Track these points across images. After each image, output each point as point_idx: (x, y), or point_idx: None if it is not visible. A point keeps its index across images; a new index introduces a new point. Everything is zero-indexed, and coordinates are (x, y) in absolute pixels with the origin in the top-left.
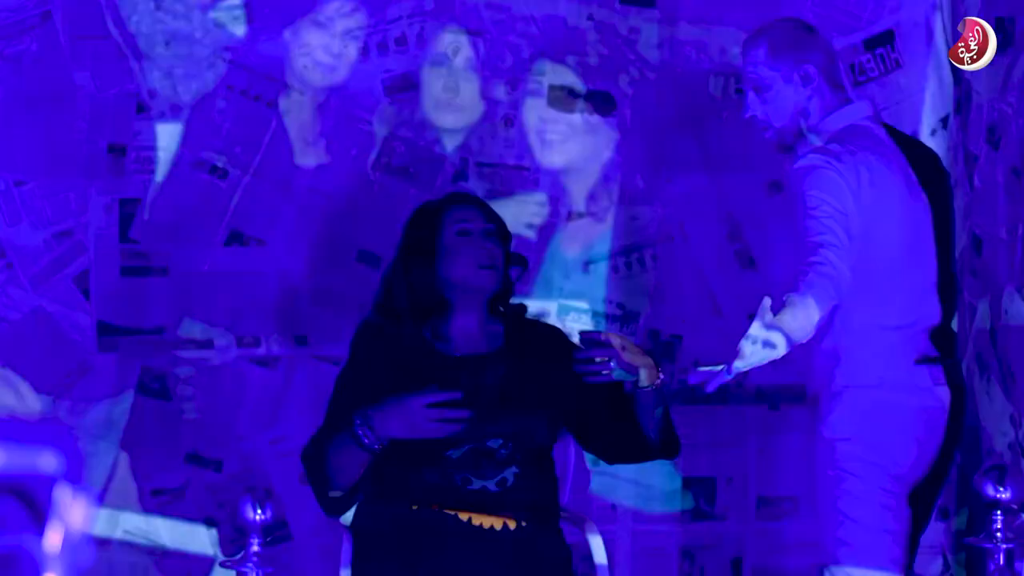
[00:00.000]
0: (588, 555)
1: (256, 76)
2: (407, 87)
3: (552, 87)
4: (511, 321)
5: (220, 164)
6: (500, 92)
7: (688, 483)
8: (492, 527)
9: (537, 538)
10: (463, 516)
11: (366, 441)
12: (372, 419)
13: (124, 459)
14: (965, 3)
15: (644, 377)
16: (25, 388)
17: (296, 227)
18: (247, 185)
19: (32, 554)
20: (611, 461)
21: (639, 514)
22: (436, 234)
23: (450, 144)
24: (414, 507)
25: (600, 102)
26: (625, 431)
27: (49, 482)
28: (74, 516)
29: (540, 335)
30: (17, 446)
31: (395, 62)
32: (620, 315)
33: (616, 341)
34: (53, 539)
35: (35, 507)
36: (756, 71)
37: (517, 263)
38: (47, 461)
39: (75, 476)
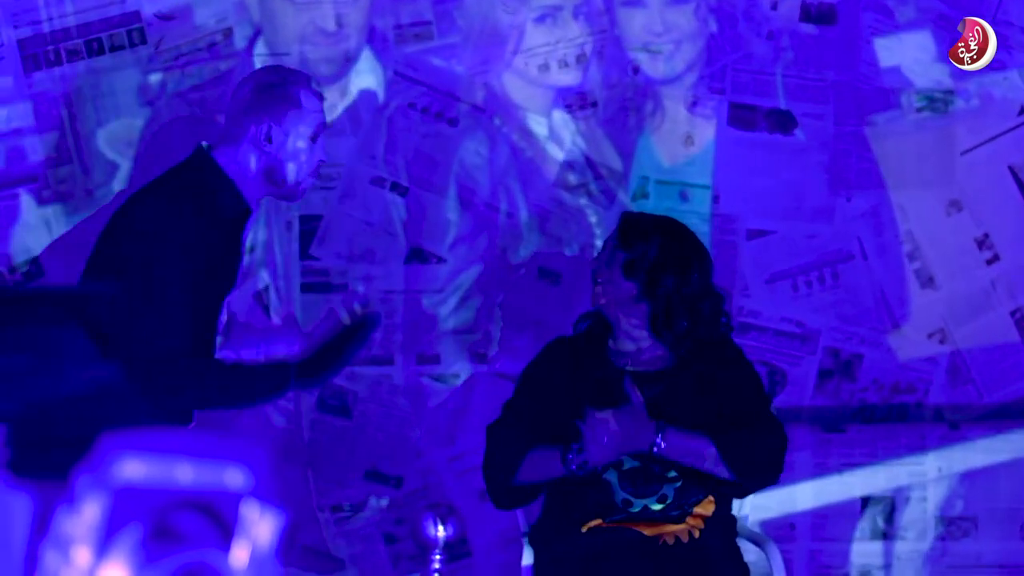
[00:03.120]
0: (767, 573)
1: (438, 94)
2: (586, 104)
3: (733, 105)
4: (685, 342)
5: (400, 181)
6: (679, 110)
7: (866, 502)
8: (665, 541)
9: (715, 551)
10: (641, 529)
11: (574, 468)
12: (585, 449)
13: None
14: None
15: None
16: None
17: (475, 244)
18: (427, 202)
19: (218, 570)
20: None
21: (817, 532)
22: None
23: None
24: (584, 528)
25: (780, 120)
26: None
27: (236, 498)
28: (260, 533)
29: (712, 356)
30: (205, 462)
31: (574, 79)
32: (799, 333)
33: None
34: (239, 555)
35: (222, 523)
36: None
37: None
38: (234, 477)
39: (262, 493)
